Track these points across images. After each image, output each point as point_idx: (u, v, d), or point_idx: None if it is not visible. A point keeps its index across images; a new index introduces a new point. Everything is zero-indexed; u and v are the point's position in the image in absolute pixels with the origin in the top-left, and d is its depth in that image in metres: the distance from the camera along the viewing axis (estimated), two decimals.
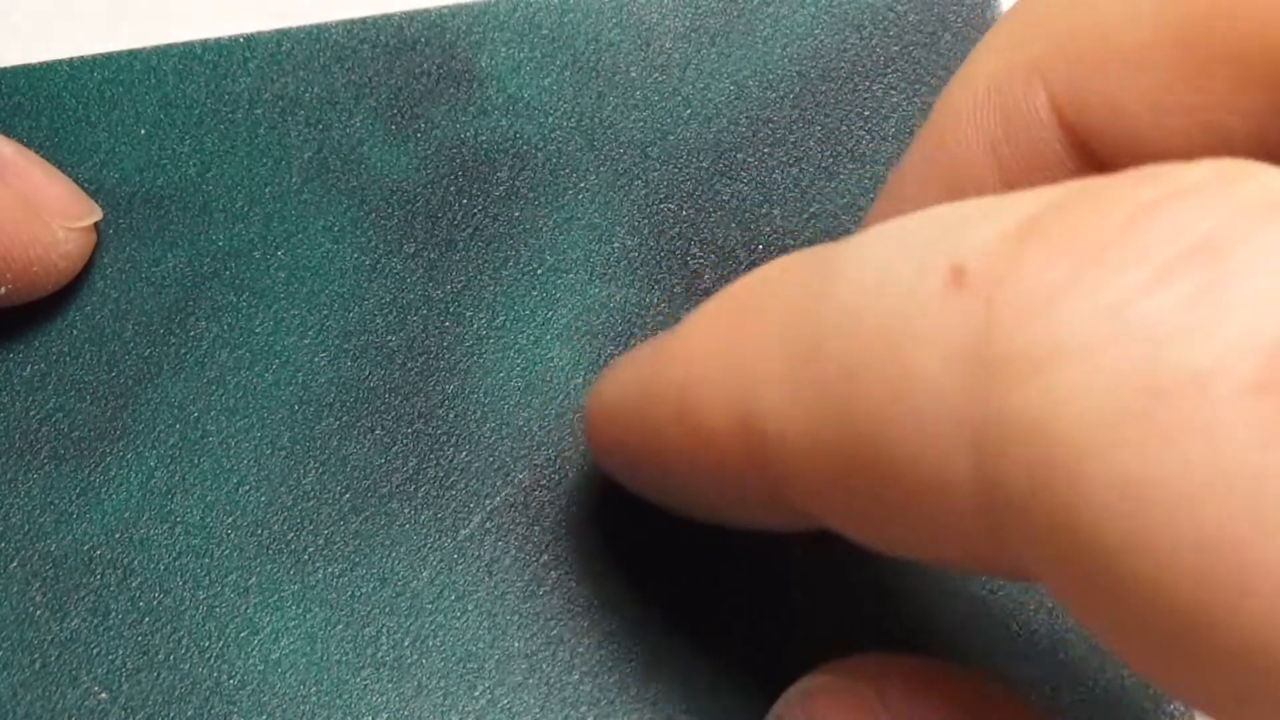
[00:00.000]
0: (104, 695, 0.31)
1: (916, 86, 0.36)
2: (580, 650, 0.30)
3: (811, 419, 0.23)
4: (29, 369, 0.34)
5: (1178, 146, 0.26)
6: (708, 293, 0.34)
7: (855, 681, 0.25)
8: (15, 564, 0.32)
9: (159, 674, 0.31)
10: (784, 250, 0.34)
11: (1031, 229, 0.21)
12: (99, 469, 0.33)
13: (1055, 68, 0.27)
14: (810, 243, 0.34)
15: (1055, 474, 0.19)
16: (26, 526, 0.33)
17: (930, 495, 0.21)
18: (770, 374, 0.24)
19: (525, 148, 0.36)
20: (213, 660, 0.31)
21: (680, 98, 0.37)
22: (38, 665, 0.31)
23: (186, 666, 0.31)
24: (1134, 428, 0.19)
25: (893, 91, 0.36)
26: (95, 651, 0.31)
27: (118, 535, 0.32)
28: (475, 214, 0.35)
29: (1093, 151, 0.27)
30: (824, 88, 0.36)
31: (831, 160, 0.36)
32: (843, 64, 0.37)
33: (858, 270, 0.23)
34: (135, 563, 0.32)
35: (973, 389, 0.20)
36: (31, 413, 0.34)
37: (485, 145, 0.36)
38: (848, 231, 0.34)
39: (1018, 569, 0.21)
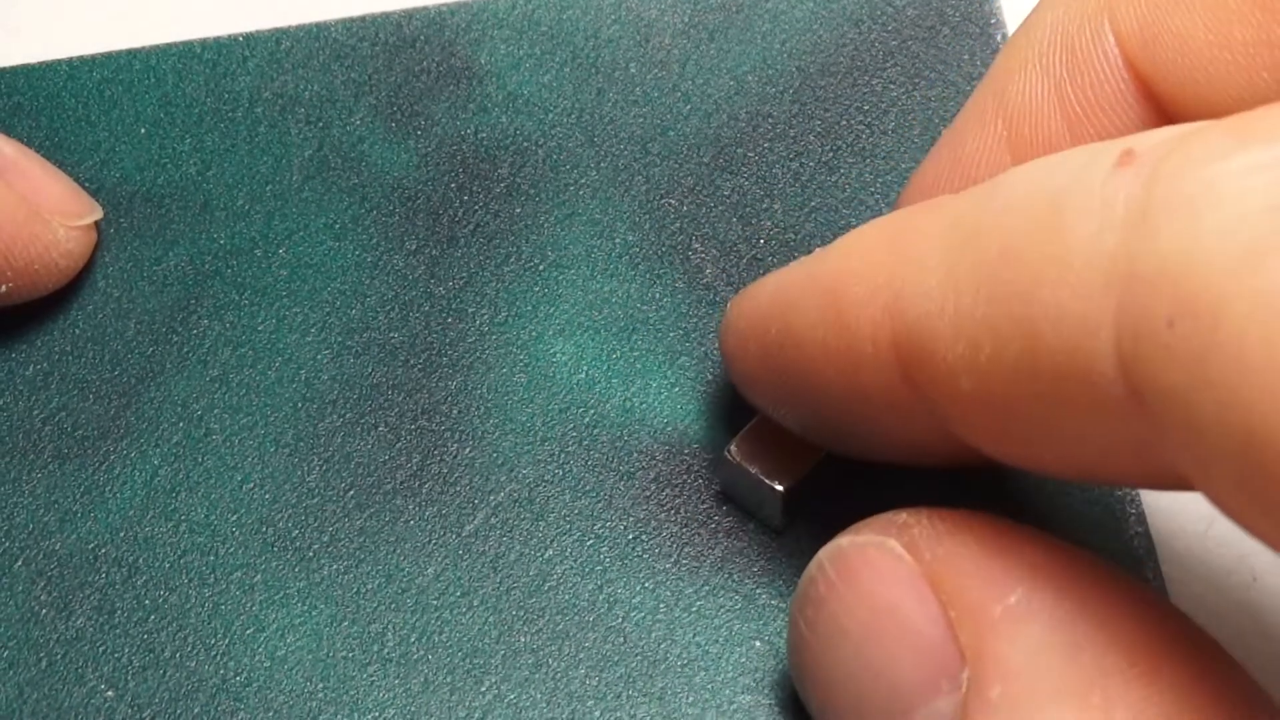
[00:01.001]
0: (110, 693, 0.31)
1: (915, 81, 0.36)
2: (586, 645, 0.30)
3: (964, 301, 0.23)
4: (32, 368, 0.34)
5: (1242, 86, 0.26)
6: (709, 287, 0.34)
7: (883, 536, 0.25)
8: (20, 563, 0.32)
9: (165, 672, 0.31)
10: (785, 245, 0.34)
11: (1201, 127, 0.21)
12: (103, 467, 0.33)
13: (1124, 6, 0.27)
14: (811, 236, 0.34)
15: (1199, 299, 0.20)
16: (31, 525, 0.33)
17: (1078, 371, 0.22)
18: (926, 263, 0.24)
19: (525, 144, 0.36)
20: (219, 657, 0.31)
21: (680, 93, 0.37)
22: (44, 664, 0.31)
23: (193, 664, 0.31)
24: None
25: (892, 86, 0.36)
26: (101, 650, 0.31)
27: (122, 534, 0.32)
28: (476, 210, 0.36)
29: (1157, 94, 0.28)
30: (823, 83, 0.37)
31: (832, 154, 0.36)
32: (841, 59, 0.37)
33: (1023, 175, 0.23)
34: (140, 561, 0.32)
35: (1125, 244, 0.21)
36: (35, 411, 0.34)
37: (485, 142, 0.36)
38: (849, 225, 0.34)
39: (1162, 452, 0.21)
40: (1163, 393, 0.20)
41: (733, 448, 0.30)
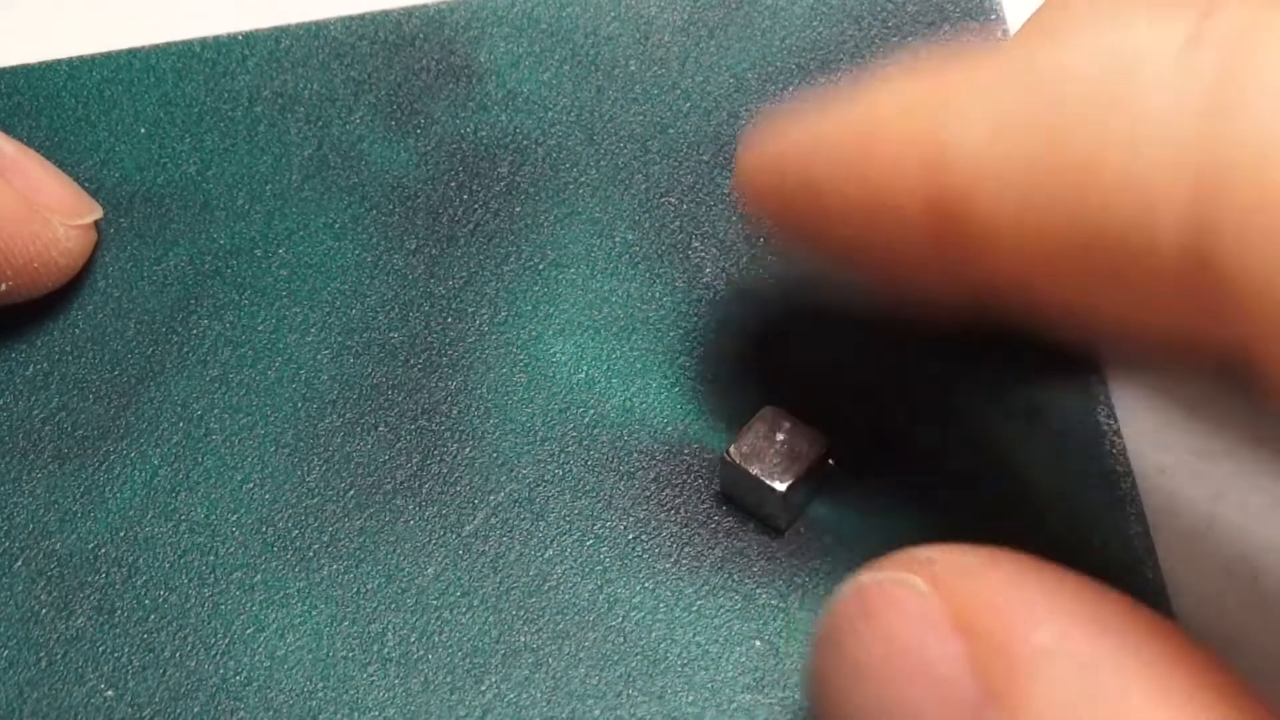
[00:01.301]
0: (110, 693, 0.31)
1: None
2: (586, 644, 0.30)
3: (1016, 159, 0.23)
4: (31, 368, 0.34)
5: None
6: (709, 286, 0.34)
7: (907, 572, 0.25)
8: (20, 563, 0.32)
9: (165, 671, 0.31)
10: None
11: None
12: (103, 467, 0.33)
13: None
14: None
15: None
16: (31, 525, 0.33)
17: (1139, 239, 0.21)
18: (972, 115, 0.23)
19: (525, 142, 0.36)
20: (218, 657, 0.31)
21: (679, 91, 0.37)
22: (44, 663, 0.31)
23: (192, 664, 0.31)
24: None
25: None
26: (101, 649, 0.31)
27: (122, 533, 0.32)
28: (476, 209, 0.36)
29: None
30: (823, 80, 0.37)
31: None
32: (842, 56, 0.37)
33: (1087, 29, 0.23)
34: (140, 561, 0.32)
35: (1205, 126, 0.21)
36: (34, 412, 0.34)
37: (485, 140, 0.36)
38: None
39: (1217, 322, 0.21)
40: (1239, 271, 0.20)
41: (732, 449, 0.30)
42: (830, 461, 0.31)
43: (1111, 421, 0.32)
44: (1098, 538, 0.31)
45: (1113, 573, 0.29)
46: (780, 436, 0.30)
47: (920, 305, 0.28)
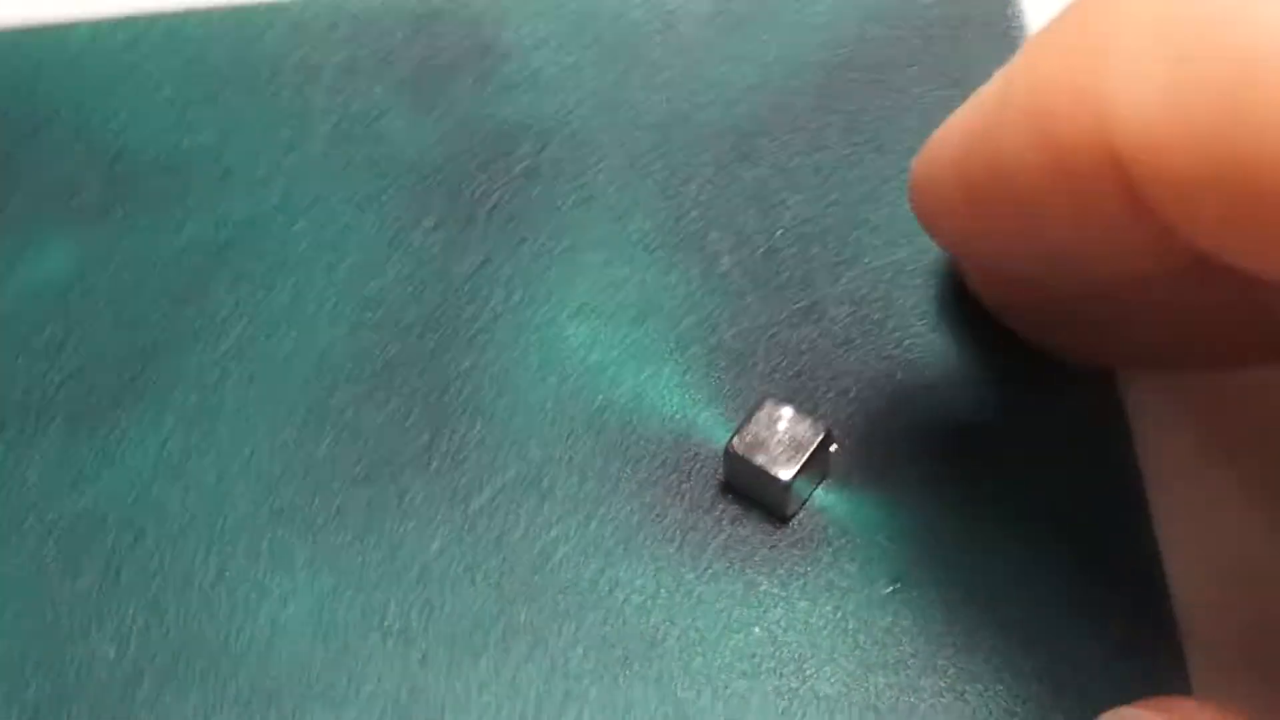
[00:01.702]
0: (112, 651, 0.31)
1: (937, 80, 0.36)
2: (585, 625, 0.31)
3: (1196, 106, 0.21)
4: (49, 331, 0.35)
5: None
6: (725, 276, 0.34)
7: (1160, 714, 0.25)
8: (31, 521, 0.33)
9: (168, 632, 0.31)
10: (803, 236, 0.35)
11: None
12: (115, 432, 0.33)
13: None
14: (831, 232, 0.34)
15: None
16: (43, 486, 0.33)
17: None
18: (1140, 65, 0.22)
19: (547, 125, 0.36)
20: (221, 622, 0.31)
21: (703, 81, 0.37)
22: (49, 619, 0.32)
23: (195, 627, 0.31)
24: None
25: (915, 84, 0.36)
26: (106, 609, 0.32)
27: (132, 497, 0.33)
28: (495, 190, 0.36)
29: None
30: (847, 77, 0.37)
31: (852, 149, 0.36)
32: (866, 55, 0.37)
33: None
34: (148, 524, 0.32)
35: None
36: (50, 375, 0.34)
37: (507, 121, 0.36)
38: (868, 220, 0.35)
39: None
40: None
41: (735, 440, 0.31)
42: (832, 448, 0.31)
43: (1121, 419, 0.32)
44: (1104, 535, 0.31)
45: (1116, 570, 0.30)
46: (782, 425, 0.31)
47: (1114, 279, 0.27)
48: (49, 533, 0.32)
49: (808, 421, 0.31)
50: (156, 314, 0.35)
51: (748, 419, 0.31)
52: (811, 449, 0.30)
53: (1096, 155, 0.23)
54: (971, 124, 0.27)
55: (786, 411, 0.31)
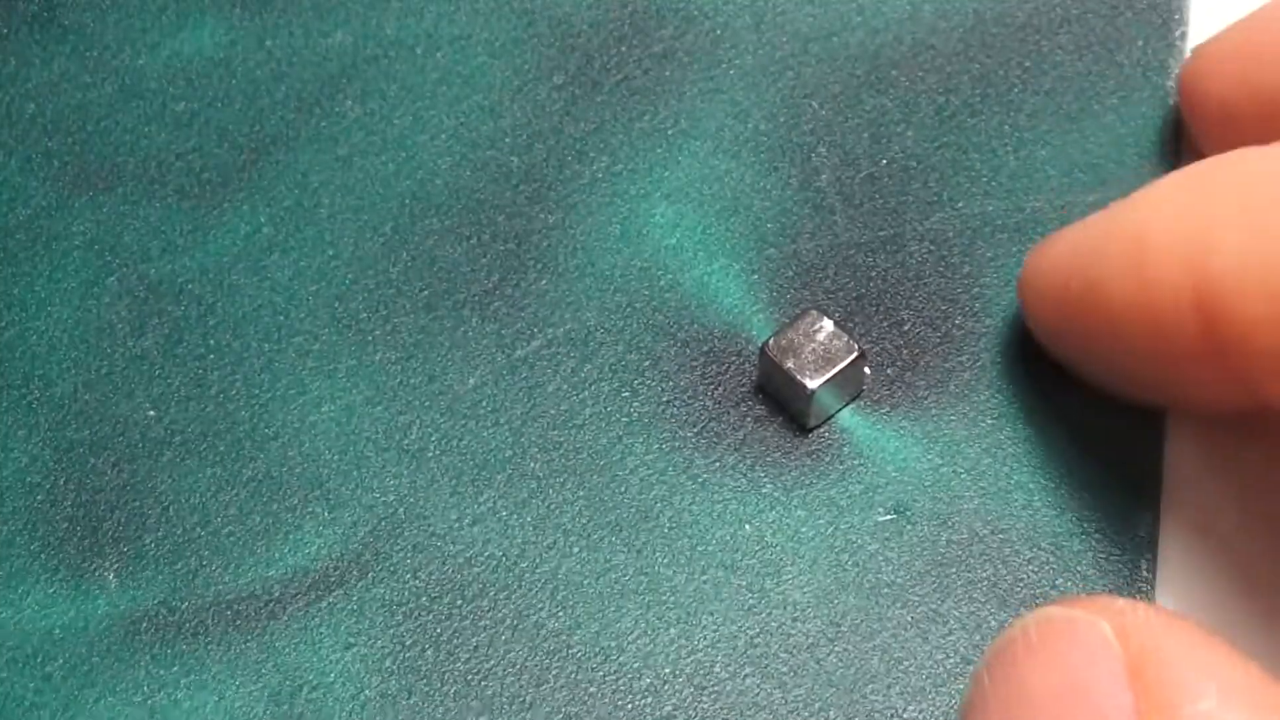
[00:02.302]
0: (152, 413, 0.32)
1: (1083, 52, 0.36)
2: (588, 486, 0.31)
3: (1268, 260, 0.25)
4: (181, 105, 0.36)
5: None
6: (820, 192, 0.34)
7: (1099, 616, 0.25)
8: (114, 279, 0.34)
9: (206, 407, 0.32)
10: (905, 170, 0.35)
11: None
12: (214, 212, 0.35)
13: None
14: (934, 171, 0.34)
15: None
16: (135, 248, 0.34)
17: None
18: (1228, 218, 0.26)
19: (695, 13, 0.37)
20: (257, 408, 0.32)
21: (854, 3, 0.37)
22: (104, 371, 0.33)
23: (232, 407, 0.32)
24: None
25: (1059, 51, 0.36)
26: (157, 372, 0.33)
27: (211, 275, 0.34)
28: (629, 64, 0.36)
29: None
30: (995, 30, 0.37)
31: (979, 99, 0.36)
32: (1019, 13, 0.37)
33: None
34: (218, 304, 0.34)
35: None
36: (172, 145, 0.36)
37: (658, 1, 0.37)
38: (973, 168, 0.34)
39: None
40: None
41: (770, 342, 0.31)
42: (866, 370, 0.31)
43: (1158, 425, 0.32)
44: (1112, 527, 0.31)
45: (1113, 556, 0.30)
46: (820, 337, 0.31)
47: (1188, 400, 0.30)
48: (127, 292, 0.34)
49: (845, 338, 0.31)
50: (284, 110, 0.36)
51: (790, 324, 0.31)
52: (842, 365, 0.31)
53: (1182, 294, 0.26)
54: (1079, 241, 0.29)
55: (827, 325, 0.31)
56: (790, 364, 0.31)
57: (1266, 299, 0.25)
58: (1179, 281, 0.26)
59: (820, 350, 0.31)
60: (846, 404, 0.32)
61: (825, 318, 0.31)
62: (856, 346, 0.31)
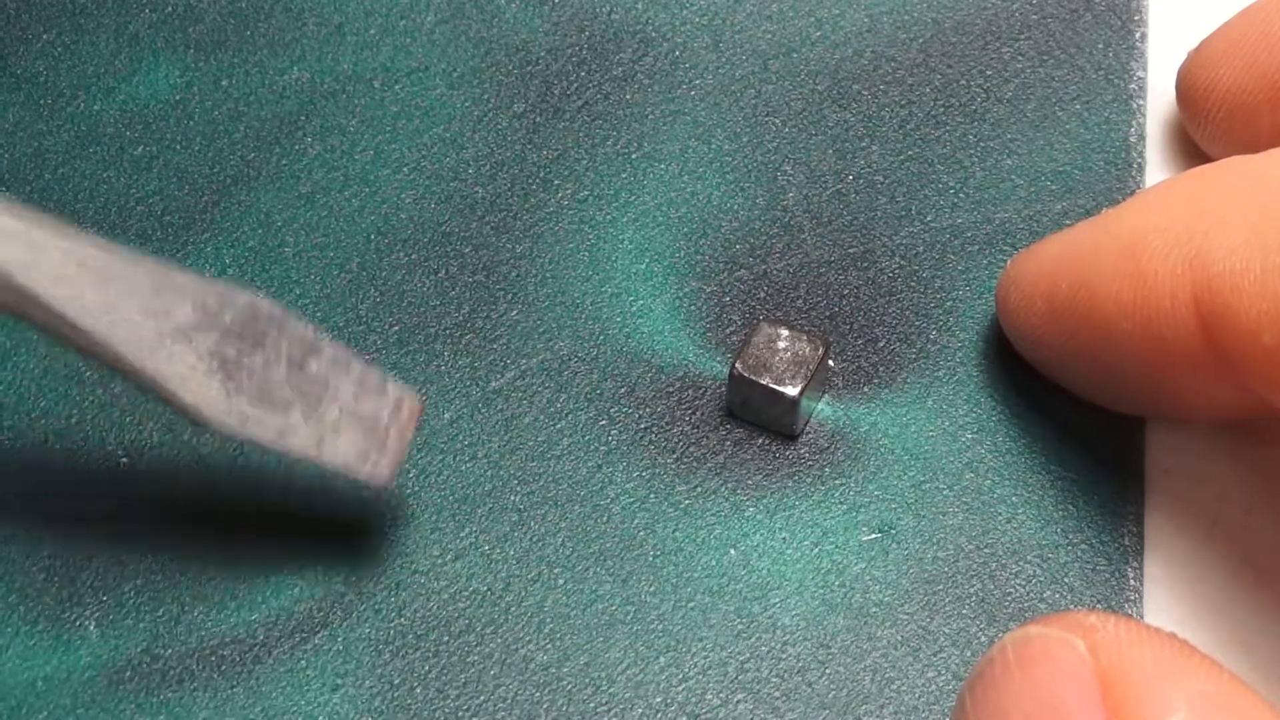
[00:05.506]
0: (125, 460, 0.32)
1: (1044, 58, 0.36)
2: (570, 516, 0.31)
3: (1270, 260, 0.25)
4: (140, 149, 0.36)
5: None
6: (787, 210, 0.34)
7: (1073, 634, 0.25)
8: None
9: (179, 452, 0.32)
10: (872, 186, 0.35)
11: None
12: (178, 255, 0.34)
13: None
14: (901, 185, 0.34)
15: None
16: None
17: None
18: (1229, 220, 0.26)
19: (653, 34, 0.37)
20: (231, 449, 0.32)
21: (813, 18, 0.37)
22: (74, 420, 0.33)
23: (205, 451, 0.32)
24: None
25: (1020, 58, 0.36)
26: (128, 419, 0.33)
27: None
28: (589, 89, 0.36)
29: None
30: (954, 39, 0.37)
31: (942, 110, 0.36)
32: (978, 20, 0.37)
33: None
34: None
35: None
36: (132, 191, 0.35)
37: (616, 24, 0.37)
38: (940, 181, 0.34)
39: None
40: None
41: (738, 364, 0.31)
42: (830, 363, 0.32)
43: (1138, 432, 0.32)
44: (1091, 531, 0.31)
45: (1099, 563, 0.30)
46: (781, 345, 0.31)
47: (1177, 406, 0.30)
48: None
49: (805, 337, 0.31)
50: (244, 149, 0.36)
51: (746, 343, 0.31)
52: (815, 364, 0.31)
53: (1180, 295, 0.26)
54: (1066, 248, 0.29)
55: (783, 331, 0.31)
56: (767, 379, 0.31)
57: (1269, 298, 0.25)
58: (1178, 282, 0.26)
59: (789, 357, 0.31)
60: (819, 400, 0.32)
61: (777, 325, 0.31)
62: (819, 341, 0.31)
